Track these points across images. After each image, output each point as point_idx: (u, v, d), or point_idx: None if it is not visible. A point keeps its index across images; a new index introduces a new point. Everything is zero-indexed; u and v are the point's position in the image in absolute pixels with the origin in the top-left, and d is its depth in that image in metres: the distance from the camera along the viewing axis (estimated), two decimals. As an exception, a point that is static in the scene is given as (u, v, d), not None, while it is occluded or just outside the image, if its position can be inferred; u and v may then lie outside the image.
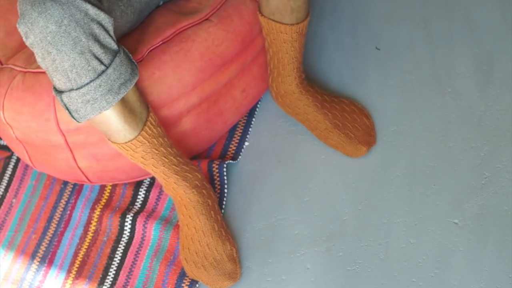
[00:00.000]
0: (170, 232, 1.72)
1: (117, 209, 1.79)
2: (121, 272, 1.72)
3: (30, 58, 1.66)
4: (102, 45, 1.38)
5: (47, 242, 1.79)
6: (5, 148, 1.95)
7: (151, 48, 1.62)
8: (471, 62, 1.85)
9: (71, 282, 1.73)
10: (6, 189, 1.89)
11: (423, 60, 1.88)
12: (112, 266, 1.73)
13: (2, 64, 1.73)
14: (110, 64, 1.40)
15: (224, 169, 1.76)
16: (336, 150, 1.78)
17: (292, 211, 1.72)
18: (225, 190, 1.76)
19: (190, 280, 1.67)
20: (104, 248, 1.75)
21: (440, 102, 1.81)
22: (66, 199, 1.84)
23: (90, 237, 1.77)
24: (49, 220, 1.82)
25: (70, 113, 1.45)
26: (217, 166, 1.76)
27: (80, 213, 1.80)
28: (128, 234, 1.75)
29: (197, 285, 1.67)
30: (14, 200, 1.87)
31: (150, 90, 1.61)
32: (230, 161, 1.80)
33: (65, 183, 1.86)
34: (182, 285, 1.67)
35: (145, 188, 1.81)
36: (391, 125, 1.80)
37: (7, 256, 1.79)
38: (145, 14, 1.66)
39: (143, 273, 1.70)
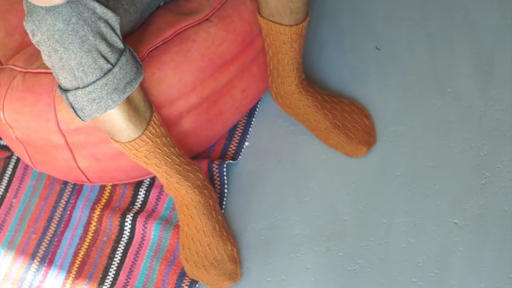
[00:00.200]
0: (170, 232, 1.72)
1: (117, 209, 1.79)
2: (121, 272, 1.72)
3: (30, 59, 1.66)
4: (109, 44, 1.38)
5: (47, 242, 1.79)
6: (5, 148, 1.95)
7: (151, 49, 1.62)
8: (471, 62, 1.85)
9: (71, 282, 1.73)
10: (6, 189, 1.89)
11: (423, 60, 1.88)
12: (112, 266, 1.73)
13: (2, 65, 1.73)
14: (116, 63, 1.40)
15: (224, 169, 1.76)
16: (336, 150, 1.78)
17: (292, 211, 1.72)
18: (225, 190, 1.76)
19: (190, 280, 1.67)
20: (104, 248, 1.75)
21: (440, 102, 1.81)
22: (66, 199, 1.84)
23: (90, 237, 1.77)
24: (49, 220, 1.82)
25: (75, 111, 1.45)
26: (217, 166, 1.77)
27: (80, 213, 1.80)
28: (128, 234, 1.75)
29: (197, 285, 1.67)
30: (14, 200, 1.87)
31: (150, 90, 1.61)
32: (230, 161, 1.80)
33: (65, 183, 1.86)
34: (182, 285, 1.67)
35: (145, 188, 1.81)
36: (391, 125, 1.80)
37: (7, 256, 1.79)
38: (147, 14, 1.66)
39: (143, 273, 1.70)
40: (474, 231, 1.63)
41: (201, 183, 1.67)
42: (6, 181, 1.90)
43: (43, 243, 1.79)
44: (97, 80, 1.39)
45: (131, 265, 1.72)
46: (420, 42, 1.91)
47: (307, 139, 1.81)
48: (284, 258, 1.67)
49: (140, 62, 1.48)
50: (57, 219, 1.82)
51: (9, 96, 1.64)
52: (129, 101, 1.46)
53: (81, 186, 1.84)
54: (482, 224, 1.63)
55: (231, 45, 1.69)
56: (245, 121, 1.87)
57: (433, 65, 1.86)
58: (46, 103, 1.61)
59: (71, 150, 1.69)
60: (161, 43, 1.63)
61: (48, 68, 1.62)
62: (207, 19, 1.68)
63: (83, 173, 1.74)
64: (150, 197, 1.79)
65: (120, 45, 1.41)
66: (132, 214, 1.76)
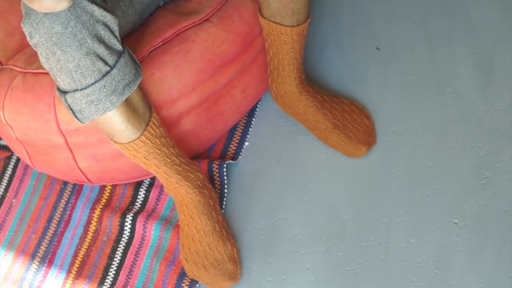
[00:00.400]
0: (170, 232, 1.72)
1: (117, 209, 1.79)
2: (121, 272, 1.72)
3: (30, 59, 1.66)
4: (107, 46, 1.38)
5: (47, 242, 1.79)
6: (5, 148, 1.94)
7: (151, 49, 1.62)
8: (471, 62, 1.85)
9: (71, 282, 1.73)
10: (6, 189, 1.89)
11: (423, 60, 1.88)
12: (112, 266, 1.73)
13: (2, 65, 1.73)
14: (115, 65, 1.40)
15: (224, 169, 1.76)
16: (336, 150, 1.78)
17: (292, 211, 1.72)
18: (225, 190, 1.76)
19: (190, 280, 1.67)
20: (104, 248, 1.75)
21: (440, 102, 1.81)
22: (66, 199, 1.84)
23: (90, 237, 1.77)
24: (49, 220, 1.82)
25: (73, 113, 1.45)
26: (217, 166, 1.77)
27: (80, 213, 1.80)
28: (128, 234, 1.75)
29: (197, 285, 1.67)
30: (14, 200, 1.87)
31: (150, 91, 1.61)
32: (230, 161, 1.80)
33: (65, 183, 1.86)
34: (182, 285, 1.67)
35: (145, 188, 1.81)
36: (391, 125, 1.80)
37: (7, 256, 1.79)
38: (146, 15, 1.65)
39: (143, 273, 1.70)
40: (474, 231, 1.63)
41: (201, 183, 1.67)
42: (6, 181, 1.90)
43: (43, 243, 1.79)
44: (95, 82, 1.39)
45: (131, 265, 1.72)
46: (420, 42, 1.91)
47: (307, 139, 1.81)
48: (284, 258, 1.67)
49: (139, 64, 1.48)
50: (57, 219, 1.82)
51: (9, 96, 1.64)
52: (127, 103, 1.46)
53: (81, 186, 1.84)
54: (482, 224, 1.63)
55: (231, 45, 1.69)
56: (245, 121, 1.87)
57: (433, 65, 1.86)
58: (46, 103, 1.61)
59: (71, 151, 1.69)
60: (161, 43, 1.63)
61: (47, 69, 1.62)
62: (207, 20, 1.68)
63: (83, 173, 1.74)
64: (150, 197, 1.79)
65: (118, 47, 1.40)
66: (132, 214, 1.76)
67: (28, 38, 1.36)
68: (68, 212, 1.82)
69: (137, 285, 1.69)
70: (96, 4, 1.34)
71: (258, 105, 1.88)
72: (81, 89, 1.40)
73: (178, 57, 1.63)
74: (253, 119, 1.86)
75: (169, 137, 1.59)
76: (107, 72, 1.39)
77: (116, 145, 1.54)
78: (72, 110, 1.44)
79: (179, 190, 1.65)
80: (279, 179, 1.77)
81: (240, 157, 1.82)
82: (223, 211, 1.75)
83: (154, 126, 1.54)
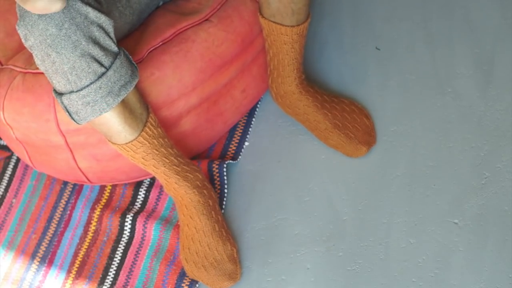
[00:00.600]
0: (170, 232, 1.72)
1: (117, 209, 1.79)
2: (121, 272, 1.72)
3: (30, 59, 1.66)
4: (102, 48, 1.38)
5: (47, 242, 1.79)
6: (5, 148, 1.94)
7: (151, 49, 1.62)
8: (471, 62, 1.85)
9: (71, 282, 1.73)
10: (6, 189, 1.89)
11: (423, 60, 1.88)
12: (112, 266, 1.73)
13: (2, 65, 1.73)
14: (110, 66, 1.40)
15: (224, 169, 1.76)
16: (336, 150, 1.78)
17: (292, 211, 1.72)
18: (225, 190, 1.76)
19: (190, 280, 1.67)
20: (104, 248, 1.75)
21: (440, 102, 1.81)
22: (66, 199, 1.84)
23: (90, 237, 1.77)
24: (49, 220, 1.82)
25: (70, 115, 1.45)
26: (217, 166, 1.77)
27: (80, 213, 1.80)
28: (128, 234, 1.75)
29: (197, 285, 1.67)
30: (14, 200, 1.87)
31: (150, 91, 1.61)
32: (230, 161, 1.80)
33: (65, 183, 1.86)
34: (182, 285, 1.67)
35: (145, 188, 1.81)
36: (391, 125, 1.80)
37: (7, 256, 1.79)
38: (145, 15, 1.65)
39: (143, 273, 1.70)
40: (474, 231, 1.63)
41: (200, 183, 1.67)
42: (6, 181, 1.90)
43: (43, 243, 1.79)
44: (91, 83, 1.39)
45: (131, 265, 1.72)
46: (420, 42, 1.91)
47: (307, 139, 1.81)
48: (284, 258, 1.67)
49: (135, 65, 1.48)
50: (57, 219, 1.82)
51: (9, 96, 1.64)
52: (124, 104, 1.46)
53: (81, 186, 1.84)
54: (482, 224, 1.63)
55: (231, 45, 1.69)
56: (245, 121, 1.87)
57: (433, 65, 1.86)
58: (46, 103, 1.61)
59: (71, 151, 1.69)
60: (161, 43, 1.63)
61: (47, 69, 1.62)
62: (207, 20, 1.68)
63: (83, 173, 1.74)
64: (150, 197, 1.79)
65: (114, 48, 1.40)
66: (132, 214, 1.76)
67: (23, 41, 1.36)
68: (68, 212, 1.82)
69: (137, 285, 1.69)
70: (91, 5, 1.34)
71: (258, 105, 1.88)
72: (76, 91, 1.40)
73: (178, 57, 1.63)
74: (253, 119, 1.86)
75: (167, 138, 1.59)
76: (103, 74, 1.39)
77: (114, 146, 1.54)
78: (68, 112, 1.44)
79: (178, 190, 1.65)
80: (279, 179, 1.77)
81: (240, 157, 1.82)
82: (223, 211, 1.75)
83: (152, 126, 1.54)
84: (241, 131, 1.85)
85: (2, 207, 1.86)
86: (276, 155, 1.80)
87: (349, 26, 1.98)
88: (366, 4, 2.00)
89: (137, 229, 1.74)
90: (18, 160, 1.92)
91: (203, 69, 1.66)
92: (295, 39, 1.65)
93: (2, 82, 1.66)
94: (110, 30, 1.38)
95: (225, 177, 1.76)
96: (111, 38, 1.39)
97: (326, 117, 1.76)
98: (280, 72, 1.73)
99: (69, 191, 1.85)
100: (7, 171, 1.91)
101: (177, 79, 1.63)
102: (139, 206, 1.79)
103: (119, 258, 1.73)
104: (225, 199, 1.75)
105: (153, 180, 1.82)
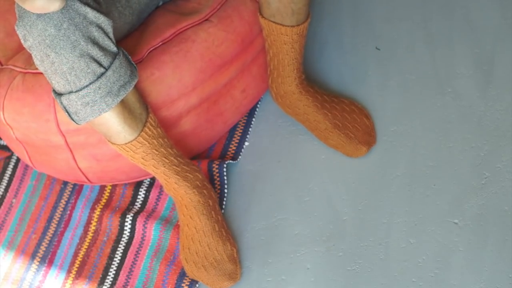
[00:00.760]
0: (170, 232, 1.72)
1: (117, 209, 1.79)
2: (121, 272, 1.72)
3: (30, 59, 1.66)
4: (101, 48, 1.38)
5: (47, 242, 1.79)
6: (5, 148, 1.95)
7: (151, 49, 1.62)
8: (471, 62, 1.85)
9: (71, 282, 1.73)
10: (6, 189, 1.89)
11: (423, 60, 1.88)
12: (112, 266, 1.73)
13: (2, 65, 1.73)
14: (109, 67, 1.40)
15: (224, 169, 1.76)
16: (336, 150, 1.78)
17: (292, 211, 1.72)
18: (225, 190, 1.76)
19: (190, 280, 1.67)
20: (104, 248, 1.75)
21: (440, 102, 1.81)
22: (66, 199, 1.84)
23: (90, 237, 1.77)
24: (49, 220, 1.82)
25: (69, 115, 1.45)
26: (217, 166, 1.77)
27: (80, 213, 1.80)
28: (128, 234, 1.75)
29: (197, 285, 1.67)
30: (14, 200, 1.87)
31: (149, 91, 1.61)
32: (230, 161, 1.80)
33: (65, 183, 1.86)
34: (182, 285, 1.67)
35: (145, 188, 1.81)
36: (391, 125, 1.80)
37: (7, 256, 1.79)
38: (145, 15, 1.65)
39: (143, 273, 1.70)
40: (474, 231, 1.63)
41: (200, 183, 1.67)
42: (6, 181, 1.90)
43: (43, 243, 1.79)
44: (90, 84, 1.39)
45: (131, 265, 1.72)
46: (420, 42, 1.91)
47: (307, 139, 1.81)
48: (284, 258, 1.67)
49: (135, 65, 1.48)
50: (57, 219, 1.82)
51: (9, 96, 1.64)
52: (123, 104, 1.46)
53: (81, 186, 1.84)
54: (482, 224, 1.63)
55: (231, 45, 1.69)
56: (245, 121, 1.87)
57: (433, 65, 1.86)
58: (46, 103, 1.61)
59: (71, 151, 1.69)
60: (160, 43, 1.63)
61: (47, 69, 1.62)
62: (207, 20, 1.68)
63: (83, 173, 1.74)
64: (150, 197, 1.79)
65: (113, 48, 1.40)
66: (132, 214, 1.76)
67: (22, 41, 1.36)
68: (68, 212, 1.82)
69: (137, 285, 1.69)
70: (89, 6, 1.34)
71: (258, 105, 1.88)
72: (76, 91, 1.40)
73: (177, 57, 1.63)
74: (253, 119, 1.86)
75: (167, 138, 1.59)
76: (102, 74, 1.39)
77: (114, 146, 1.54)
78: (67, 112, 1.44)
79: (178, 190, 1.65)
80: (279, 179, 1.77)
81: (240, 157, 1.82)
82: (223, 211, 1.75)
83: (151, 126, 1.54)
84: (241, 131, 1.85)
85: (2, 207, 1.86)
86: (276, 155, 1.80)
87: (349, 26, 1.98)
88: (366, 4, 2.00)
89: (137, 229, 1.74)
90: (18, 160, 1.92)
91: (203, 69, 1.66)
92: (295, 39, 1.65)
93: (2, 82, 1.66)
94: (109, 30, 1.38)
95: (225, 177, 1.76)
96: (110, 38, 1.39)
97: (326, 117, 1.76)
98: (280, 72, 1.73)
99: (69, 191, 1.85)
100: (7, 171, 1.91)
101: (177, 79, 1.63)
102: (139, 206, 1.79)
103: (119, 258, 1.74)
104: (225, 199, 1.75)
105: (153, 180, 1.82)
